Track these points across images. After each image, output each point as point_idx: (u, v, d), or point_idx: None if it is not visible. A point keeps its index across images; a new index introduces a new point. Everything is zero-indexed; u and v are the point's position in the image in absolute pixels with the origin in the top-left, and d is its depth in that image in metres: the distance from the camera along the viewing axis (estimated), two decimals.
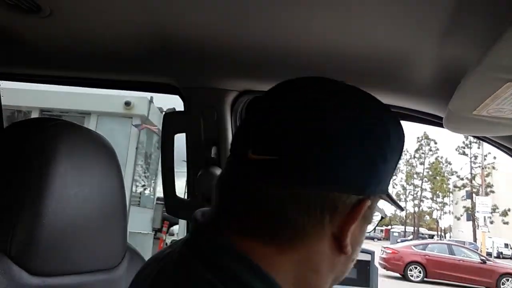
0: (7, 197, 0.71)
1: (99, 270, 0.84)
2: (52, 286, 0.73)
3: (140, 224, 6.91)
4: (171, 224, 7.94)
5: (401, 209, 0.61)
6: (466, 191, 31.72)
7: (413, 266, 13.97)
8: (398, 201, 0.57)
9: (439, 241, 20.88)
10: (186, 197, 1.19)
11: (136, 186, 8.11)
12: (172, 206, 1.17)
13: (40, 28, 0.92)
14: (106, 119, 7.02)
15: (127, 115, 7.03)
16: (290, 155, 0.44)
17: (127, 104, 6.80)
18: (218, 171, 1.10)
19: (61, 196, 0.74)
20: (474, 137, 0.95)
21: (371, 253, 2.20)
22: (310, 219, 0.45)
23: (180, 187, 1.23)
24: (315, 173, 0.44)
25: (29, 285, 0.69)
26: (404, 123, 0.57)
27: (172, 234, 9.31)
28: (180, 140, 1.18)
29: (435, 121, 0.95)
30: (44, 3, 0.81)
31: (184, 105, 1.15)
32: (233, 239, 0.46)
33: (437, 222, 41.17)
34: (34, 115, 7.13)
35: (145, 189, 8.84)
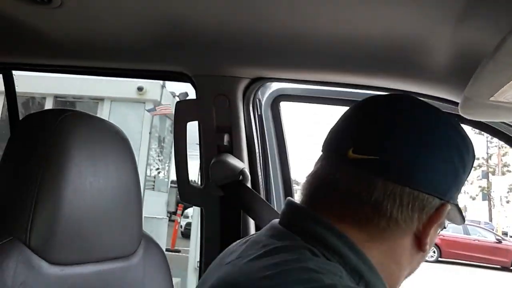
0: (24, 188, 0.72)
1: (116, 258, 0.86)
2: (70, 275, 0.75)
3: (155, 208, 7.01)
4: (186, 207, 8.04)
5: (463, 222, 0.65)
6: (482, 171, 31.31)
7: None
8: (463, 215, 0.63)
9: None
10: (199, 184, 1.21)
11: (150, 170, 8.20)
12: (185, 194, 1.18)
13: (51, 18, 0.92)
14: (119, 104, 7.07)
15: (140, 100, 7.06)
16: (389, 156, 0.52)
17: (140, 89, 6.83)
18: (230, 159, 1.11)
19: (77, 187, 0.76)
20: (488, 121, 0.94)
21: None
22: (402, 214, 0.52)
23: (194, 170, 1.24)
24: (410, 174, 0.51)
25: (49, 274, 0.71)
26: None
27: (187, 217, 9.44)
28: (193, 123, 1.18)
29: (451, 106, 0.93)
30: None
31: (196, 93, 1.15)
32: (332, 221, 0.53)
33: None
34: (48, 101, 7.21)
35: (159, 172, 8.94)
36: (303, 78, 1.09)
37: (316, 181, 0.57)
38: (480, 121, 0.97)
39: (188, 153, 1.19)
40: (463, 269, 12.55)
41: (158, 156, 8.65)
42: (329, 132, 0.60)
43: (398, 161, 0.52)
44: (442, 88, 0.93)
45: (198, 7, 0.81)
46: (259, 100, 1.22)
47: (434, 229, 0.55)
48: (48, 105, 7.42)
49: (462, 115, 0.81)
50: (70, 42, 1.04)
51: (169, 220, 7.50)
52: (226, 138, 1.12)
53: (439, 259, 13.63)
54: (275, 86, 1.30)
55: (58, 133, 0.75)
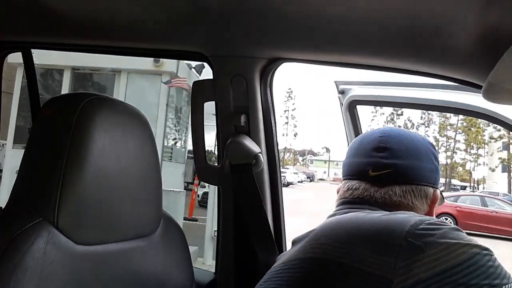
0: (51, 172, 0.74)
1: (138, 237, 0.89)
2: (95, 254, 0.78)
3: (173, 178, 7.13)
4: None
5: (442, 202, 0.88)
6: (503, 143, 30.69)
7: (443, 217, 13.93)
8: (443, 196, 0.88)
9: (472, 193, 20.55)
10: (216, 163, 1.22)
11: (168, 140, 8.29)
12: (203, 173, 1.20)
13: None
14: (136, 76, 7.10)
15: (156, 72, 7.07)
16: (397, 168, 0.77)
17: (156, 61, 6.82)
18: (246, 140, 1.11)
19: (100, 169, 0.78)
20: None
21: None
22: (418, 203, 0.77)
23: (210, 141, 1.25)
24: (413, 175, 0.78)
25: (76, 253, 0.74)
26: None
27: (204, 186, 9.59)
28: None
29: (473, 89, 0.91)
30: None
31: (213, 73, 1.14)
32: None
33: (470, 173, 40.40)
34: (66, 73, 7.27)
35: (176, 143, 9.02)
36: (322, 59, 1.07)
37: (355, 194, 0.79)
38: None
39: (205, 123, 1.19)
40: (480, 240, 12.52)
41: (175, 126, 8.72)
42: (344, 165, 0.86)
43: (404, 170, 0.77)
44: (466, 71, 0.90)
45: None
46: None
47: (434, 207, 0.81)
48: (66, 77, 7.50)
49: (485, 99, 0.80)
50: (88, 22, 1.04)
51: (186, 190, 7.63)
52: (243, 119, 1.12)
53: None
54: (352, 91, 1.45)
55: (81, 118, 0.77)
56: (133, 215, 0.87)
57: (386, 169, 0.77)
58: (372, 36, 0.90)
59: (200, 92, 1.15)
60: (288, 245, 0.90)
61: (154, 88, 7.05)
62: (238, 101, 1.12)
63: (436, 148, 0.84)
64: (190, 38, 1.08)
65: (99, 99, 0.82)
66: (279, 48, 1.06)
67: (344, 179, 0.84)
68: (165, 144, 7.74)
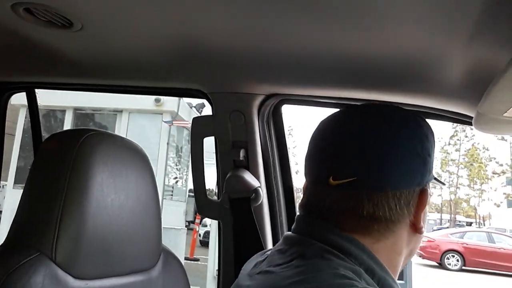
0: (49, 206, 0.75)
1: (137, 271, 0.88)
2: None
3: (174, 217, 7.08)
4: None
5: (443, 184, 0.74)
6: (506, 178, 30.51)
7: (450, 255, 13.62)
8: (441, 181, 0.72)
9: (478, 229, 20.22)
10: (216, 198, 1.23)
11: (169, 179, 8.28)
12: (203, 207, 1.20)
13: (73, 41, 0.95)
14: (137, 115, 7.21)
15: (157, 112, 7.18)
16: (364, 173, 0.58)
17: (157, 100, 6.94)
18: (245, 174, 1.12)
19: (99, 204, 0.79)
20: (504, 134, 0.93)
21: None
22: (395, 215, 0.59)
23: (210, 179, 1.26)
24: (387, 180, 0.59)
25: None
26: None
27: (205, 225, 9.47)
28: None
29: (465, 120, 0.93)
30: (76, 19, 0.84)
31: (212, 109, 1.17)
32: (340, 230, 0.59)
33: (475, 209, 39.88)
34: (68, 114, 7.37)
35: (177, 181, 9.01)
36: (318, 94, 1.10)
37: (312, 209, 0.64)
38: None
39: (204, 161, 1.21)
40: (489, 278, 12.21)
41: (176, 165, 8.74)
42: (305, 161, 0.67)
43: (373, 174, 0.58)
44: (455, 104, 0.93)
45: (213, 26, 0.83)
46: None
47: (423, 211, 0.63)
48: (68, 117, 7.62)
49: (476, 129, 0.81)
50: (90, 62, 1.08)
51: (188, 229, 7.53)
52: (242, 153, 1.14)
53: (463, 267, 13.30)
54: None
55: (81, 153, 0.78)
56: (132, 249, 0.87)
57: (349, 176, 0.58)
58: (365, 72, 0.93)
59: (199, 128, 1.18)
60: None
61: (155, 127, 7.14)
62: (237, 136, 1.14)
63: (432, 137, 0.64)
64: (189, 76, 1.12)
65: (99, 134, 0.84)
66: (276, 84, 1.09)
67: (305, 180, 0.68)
68: (166, 182, 7.73)
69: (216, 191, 1.26)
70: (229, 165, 1.15)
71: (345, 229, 0.59)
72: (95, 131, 0.84)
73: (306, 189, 0.66)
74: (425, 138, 0.62)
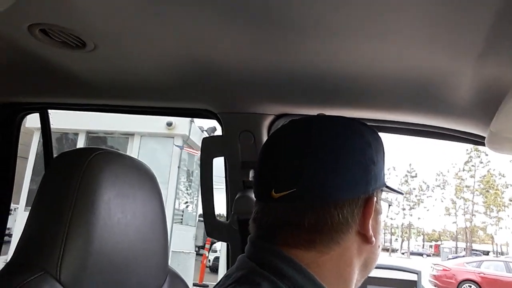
0: (55, 224, 0.75)
1: None
2: None
3: (183, 242, 7.02)
4: (214, 241, 8.00)
5: (401, 193, 0.73)
6: None
7: (467, 285, 13.22)
8: (396, 189, 0.69)
9: (495, 258, 19.63)
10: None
11: (179, 203, 8.27)
12: (211, 229, 1.19)
13: (85, 61, 0.97)
14: (149, 139, 7.28)
15: (169, 135, 7.25)
16: (304, 185, 0.57)
17: (169, 124, 7.01)
18: None
19: (106, 223, 0.78)
20: None
21: (418, 273, 2.10)
22: (338, 226, 0.58)
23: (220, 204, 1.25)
24: (328, 191, 0.57)
25: None
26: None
27: (215, 251, 9.37)
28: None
29: (477, 140, 0.92)
30: (89, 39, 0.86)
31: (222, 129, 1.18)
32: (282, 249, 0.58)
33: (492, 237, 38.84)
34: (81, 137, 7.48)
35: (187, 206, 8.99)
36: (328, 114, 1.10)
37: (258, 225, 0.63)
38: None
39: (214, 186, 1.20)
40: None
41: (187, 189, 8.74)
42: (253, 179, 0.67)
43: (313, 185, 0.57)
44: (468, 123, 0.91)
45: (222, 48, 0.85)
46: None
47: (372, 220, 0.61)
48: (81, 140, 7.73)
49: (489, 149, 0.80)
50: (102, 83, 1.10)
51: (197, 254, 7.45)
52: (251, 174, 1.13)
53: None
54: None
55: (88, 171, 0.78)
56: (138, 270, 0.86)
57: (289, 188, 0.57)
58: (375, 92, 0.93)
59: (209, 148, 1.18)
60: None
61: (166, 151, 7.18)
62: (247, 156, 1.14)
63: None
64: (199, 96, 1.12)
65: (107, 153, 0.84)
66: (286, 105, 1.09)
67: None
68: (176, 206, 7.72)
69: (226, 215, 1.24)
70: (239, 186, 1.14)
71: (289, 244, 0.58)
72: (103, 150, 0.85)
73: (254, 207, 0.65)
74: (367, 146, 0.61)
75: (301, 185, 0.57)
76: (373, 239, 0.61)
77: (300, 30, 0.74)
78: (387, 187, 0.66)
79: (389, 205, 0.70)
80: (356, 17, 0.67)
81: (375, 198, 0.61)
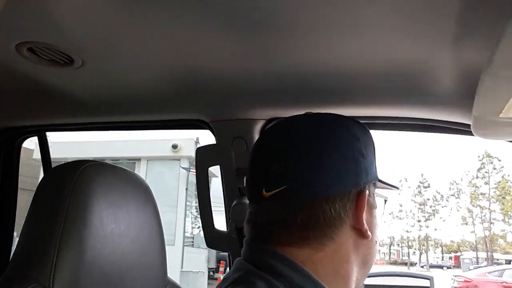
0: (48, 236, 0.75)
1: None
2: None
3: (195, 264, 6.93)
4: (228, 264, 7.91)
5: (396, 188, 0.71)
6: None
7: None
8: (390, 183, 0.68)
9: None
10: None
11: (192, 227, 8.23)
12: (211, 239, 1.18)
13: (75, 79, 0.99)
14: (155, 163, 7.30)
15: (175, 158, 7.26)
16: (294, 181, 0.58)
17: (174, 147, 7.05)
18: None
19: (98, 234, 0.78)
20: (509, 141, 0.90)
21: (430, 279, 2.07)
22: (331, 221, 0.57)
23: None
24: (318, 186, 0.57)
25: None
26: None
27: None
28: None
29: (464, 129, 0.91)
30: (76, 55, 0.88)
31: (215, 138, 1.18)
32: (277, 248, 0.58)
33: None
34: None
35: (199, 228, 8.94)
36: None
37: (252, 226, 0.63)
38: None
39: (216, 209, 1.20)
40: None
41: (197, 210, 8.71)
42: (246, 182, 0.67)
43: (302, 181, 0.57)
44: (453, 112, 0.91)
45: (210, 54, 0.86)
46: None
47: (366, 213, 0.61)
48: None
49: (476, 135, 0.79)
50: (93, 99, 1.12)
51: (212, 279, 7.35)
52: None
53: None
54: None
55: (79, 182, 0.79)
56: (135, 281, 0.85)
57: (279, 185, 0.58)
58: (360, 88, 0.94)
59: (203, 158, 1.18)
60: None
61: (173, 174, 7.19)
62: (240, 163, 1.14)
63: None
64: (190, 106, 1.14)
65: (98, 165, 0.85)
66: (276, 108, 1.10)
67: None
68: (186, 230, 7.68)
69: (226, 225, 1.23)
70: (235, 193, 1.14)
71: (282, 243, 0.58)
72: (94, 161, 0.85)
73: (248, 208, 0.65)
74: (355, 139, 0.61)
75: (291, 182, 0.58)
76: (369, 233, 0.60)
77: (281, 32, 0.75)
78: (380, 181, 0.65)
79: (385, 201, 0.69)
80: (331, 13, 0.68)
81: (367, 192, 0.60)
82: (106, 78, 1.00)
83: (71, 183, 0.79)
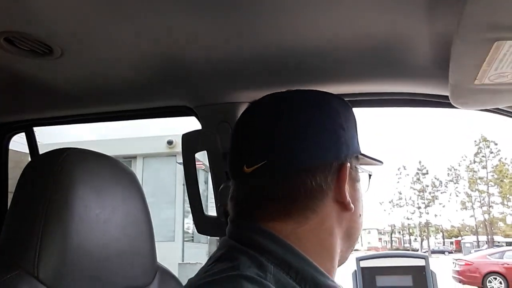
0: (31, 222, 0.75)
1: None
2: None
3: (196, 259, 6.95)
4: None
5: (380, 162, 0.71)
6: None
7: (492, 277, 12.92)
8: (373, 157, 0.69)
9: None
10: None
11: (188, 222, 8.25)
12: (201, 225, 1.18)
13: (55, 69, 0.99)
14: (152, 160, 7.28)
15: (171, 154, 7.25)
16: (274, 155, 0.58)
17: (170, 143, 7.04)
18: None
19: (83, 219, 0.78)
20: (486, 111, 0.90)
21: (425, 257, 2.09)
22: (312, 193, 0.58)
23: None
24: (298, 159, 0.58)
25: None
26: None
27: None
28: None
29: (444, 101, 0.91)
30: (55, 45, 0.88)
31: (200, 123, 1.18)
32: (260, 223, 0.59)
33: None
34: None
35: None
36: None
37: (235, 204, 0.63)
38: None
39: None
40: None
41: None
42: (228, 161, 0.67)
43: (283, 155, 0.58)
44: (432, 84, 0.92)
45: (192, 42, 0.86)
46: None
47: (349, 186, 0.61)
48: None
49: (455, 105, 0.80)
50: (77, 91, 1.11)
51: None
52: None
53: None
54: None
55: (62, 169, 0.79)
56: (124, 266, 0.85)
57: (259, 161, 0.58)
58: (339, 64, 0.94)
59: (190, 144, 1.18)
60: None
61: (170, 170, 7.18)
62: (227, 147, 1.14)
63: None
64: (173, 92, 1.14)
65: (81, 152, 0.84)
66: (257, 90, 1.10)
67: None
68: (186, 224, 7.68)
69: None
70: (223, 177, 1.14)
71: (265, 218, 0.59)
72: (77, 149, 0.85)
73: (231, 186, 0.66)
74: (335, 113, 0.62)
75: (271, 156, 0.58)
76: (352, 206, 0.61)
77: (258, 12, 0.75)
78: (363, 154, 0.66)
79: (370, 175, 0.70)
80: None
81: (348, 164, 0.61)
82: (87, 68, 0.99)
83: (54, 169, 0.79)
